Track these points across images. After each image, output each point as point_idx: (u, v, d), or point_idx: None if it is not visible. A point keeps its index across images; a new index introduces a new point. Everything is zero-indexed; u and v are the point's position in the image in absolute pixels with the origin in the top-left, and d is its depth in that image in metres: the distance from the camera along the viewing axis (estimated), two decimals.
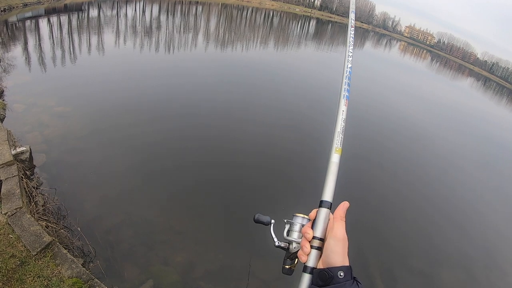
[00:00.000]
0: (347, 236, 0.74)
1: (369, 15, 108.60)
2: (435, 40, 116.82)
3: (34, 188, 4.53)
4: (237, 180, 6.64)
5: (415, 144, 11.74)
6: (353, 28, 1.04)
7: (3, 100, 7.39)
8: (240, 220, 5.31)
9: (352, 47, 0.99)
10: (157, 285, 4.01)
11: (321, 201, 0.79)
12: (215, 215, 5.57)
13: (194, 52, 18.10)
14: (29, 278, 3.05)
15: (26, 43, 13.34)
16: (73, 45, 14.25)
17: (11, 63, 10.19)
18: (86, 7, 26.17)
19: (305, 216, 0.84)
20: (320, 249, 0.75)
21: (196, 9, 43.45)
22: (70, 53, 12.80)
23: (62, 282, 3.08)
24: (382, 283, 4.96)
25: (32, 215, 3.73)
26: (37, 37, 15.00)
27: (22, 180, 4.30)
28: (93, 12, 25.16)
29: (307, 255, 0.75)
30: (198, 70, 14.12)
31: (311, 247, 0.76)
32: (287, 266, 0.85)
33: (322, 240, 0.76)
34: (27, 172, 4.88)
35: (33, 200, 4.19)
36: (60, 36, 15.86)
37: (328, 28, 64.39)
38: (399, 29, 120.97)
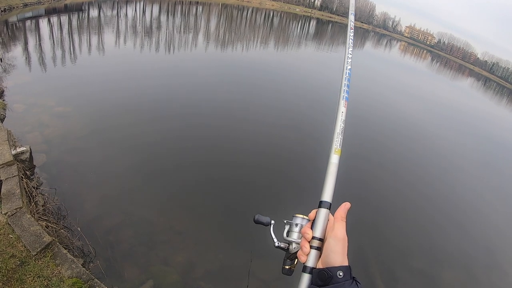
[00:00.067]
0: (347, 237, 0.74)
1: (369, 15, 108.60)
2: (435, 40, 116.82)
3: (34, 188, 4.53)
4: (237, 180, 6.64)
5: (415, 143, 11.74)
6: (353, 30, 1.04)
7: (4, 100, 7.39)
8: (240, 220, 5.31)
9: (351, 49, 0.99)
10: (157, 285, 4.01)
11: (321, 202, 0.80)
12: (215, 215, 5.57)
13: (194, 52, 18.10)
14: (29, 278, 3.05)
15: (26, 43, 13.36)
16: (73, 45, 14.26)
17: (11, 63, 10.20)
18: (86, 7, 26.18)
19: (305, 217, 0.84)
20: (319, 249, 0.76)
21: (196, 9, 43.46)
22: (70, 53, 12.81)
23: (62, 282, 3.08)
24: (382, 283, 4.96)
25: (32, 215, 3.73)
26: (37, 37, 15.01)
27: (22, 180, 4.30)
28: (93, 12, 25.17)
29: (307, 255, 0.75)
30: (198, 70, 14.13)
31: (311, 247, 0.76)
32: (287, 267, 0.85)
33: (322, 240, 0.77)
34: (27, 172, 4.88)
35: (33, 200, 4.20)
36: (60, 36, 15.88)
37: (328, 28, 64.40)
38: (399, 29, 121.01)
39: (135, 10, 30.72)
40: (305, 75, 17.95)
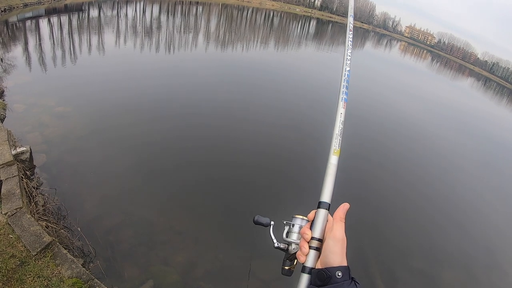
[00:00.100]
0: (346, 237, 0.74)
1: (369, 15, 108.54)
2: (435, 40, 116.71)
3: (34, 188, 4.54)
4: (237, 180, 6.65)
5: (415, 143, 11.74)
6: (351, 32, 1.04)
7: (4, 100, 7.40)
8: (240, 220, 5.31)
9: (350, 50, 1.00)
10: (157, 285, 4.01)
11: (320, 202, 0.80)
12: (215, 215, 5.58)
13: (195, 52, 18.10)
14: (29, 278, 3.05)
15: (26, 43, 13.36)
16: (73, 45, 14.26)
17: (11, 63, 10.20)
18: (86, 8, 26.18)
19: (304, 218, 0.85)
20: (318, 249, 0.76)
21: (196, 9, 43.45)
22: (70, 53, 12.81)
23: (62, 282, 3.08)
24: (382, 283, 4.96)
25: (32, 215, 3.73)
26: (37, 37, 15.01)
27: (22, 180, 4.30)
28: (94, 12, 25.18)
29: (306, 255, 0.76)
30: (198, 70, 14.13)
31: (310, 247, 0.76)
32: (287, 267, 0.85)
33: (321, 240, 0.77)
34: (27, 172, 4.88)
35: (33, 200, 4.20)
36: (60, 36, 15.88)
37: (328, 28, 64.38)
38: (399, 29, 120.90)
39: (135, 10, 30.72)
40: (305, 75, 17.95)
